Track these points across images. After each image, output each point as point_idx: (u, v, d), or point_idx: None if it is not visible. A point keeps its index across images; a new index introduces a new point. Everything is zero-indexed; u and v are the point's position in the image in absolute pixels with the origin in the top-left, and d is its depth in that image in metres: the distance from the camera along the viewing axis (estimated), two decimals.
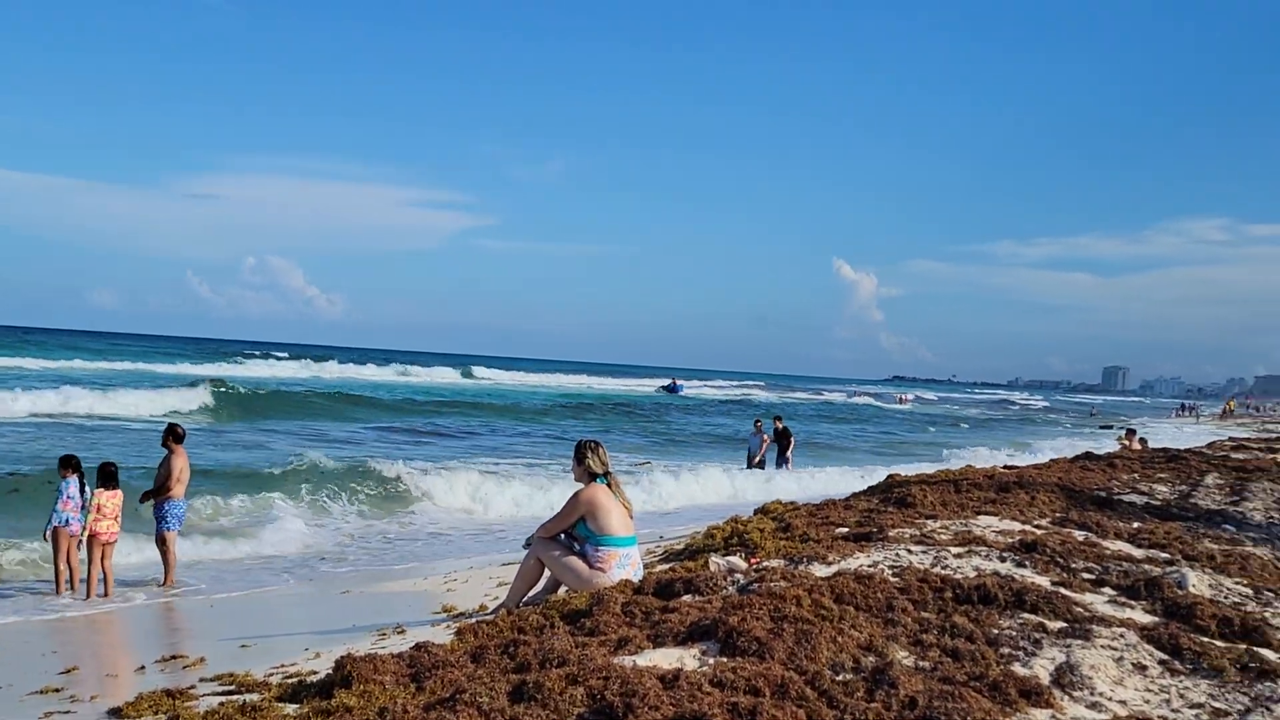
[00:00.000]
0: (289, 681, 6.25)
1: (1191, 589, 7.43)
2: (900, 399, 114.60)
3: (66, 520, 12.08)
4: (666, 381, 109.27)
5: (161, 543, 12.80)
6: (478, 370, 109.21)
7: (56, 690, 7.11)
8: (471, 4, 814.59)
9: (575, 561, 8.40)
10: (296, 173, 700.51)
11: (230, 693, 6.37)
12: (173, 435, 13.34)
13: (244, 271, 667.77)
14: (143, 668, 7.91)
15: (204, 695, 6.34)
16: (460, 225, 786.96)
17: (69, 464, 12.46)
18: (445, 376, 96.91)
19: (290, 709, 5.37)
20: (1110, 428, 68.64)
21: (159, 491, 12.93)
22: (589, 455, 8.72)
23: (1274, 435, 43.88)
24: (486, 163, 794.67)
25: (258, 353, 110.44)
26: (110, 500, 12.33)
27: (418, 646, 5.79)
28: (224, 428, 35.38)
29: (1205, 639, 6.06)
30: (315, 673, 6.33)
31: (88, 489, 12.42)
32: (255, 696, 5.86)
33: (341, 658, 5.60)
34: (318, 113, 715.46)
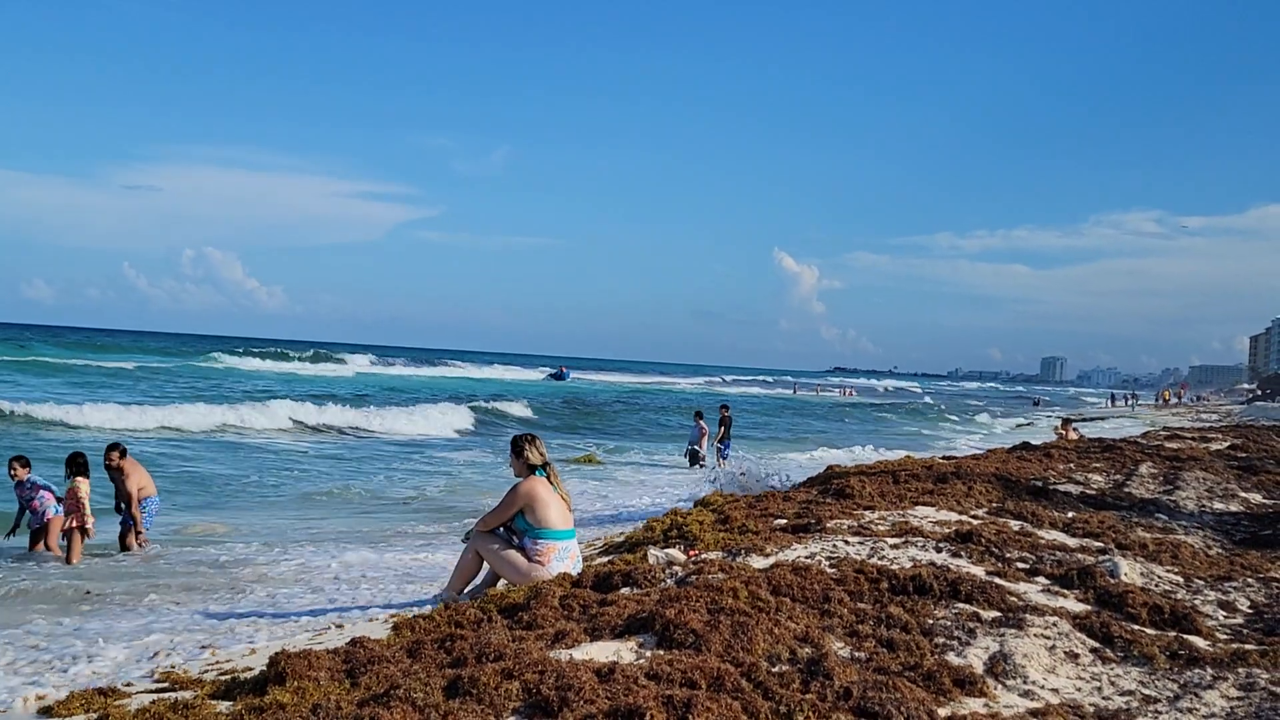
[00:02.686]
0: (223, 678, 6.17)
1: (1124, 578, 7.53)
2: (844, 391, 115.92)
3: (59, 510, 12.13)
4: (554, 370, 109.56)
5: (136, 535, 12.73)
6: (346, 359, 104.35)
7: None
8: (413, 1, 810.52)
9: (514, 555, 8.37)
10: (236, 164, 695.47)
11: (163, 690, 6.27)
12: (117, 450, 13.18)
13: (183, 264, 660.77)
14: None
15: (136, 693, 6.24)
16: (402, 217, 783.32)
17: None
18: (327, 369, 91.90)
19: (223, 706, 5.30)
20: (1049, 417, 69.87)
21: (135, 505, 12.83)
22: (527, 448, 8.70)
23: (1207, 424, 44.59)
24: (429, 155, 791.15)
25: (239, 350, 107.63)
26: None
27: (353, 642, 5.75)
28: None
29: (1136, 627, 6.15)
30: (250, 669, 6.26)
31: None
32: (188, 694, 5.77)
33: (276, 654, 5.55)
34: (258, 104, 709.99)
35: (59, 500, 12.30)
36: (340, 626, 8.29)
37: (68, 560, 11.88)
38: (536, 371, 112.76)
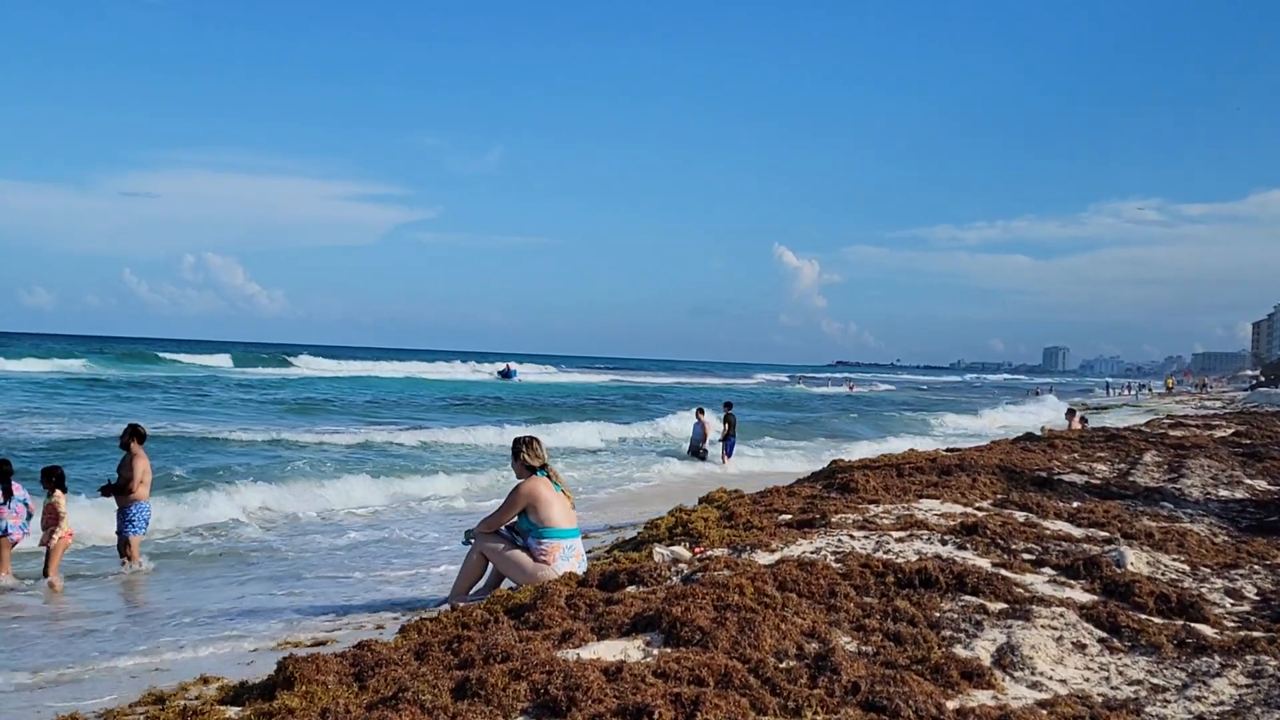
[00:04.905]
0: (230, 683, 6.17)
1: (1130, 567, 7.52)
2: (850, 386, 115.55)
3: (22, 530, 11.87)
4: (502, 367, 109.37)
5: (126, 545, 12.48)
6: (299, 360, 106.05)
7: None
8: (404, 1, 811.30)
9: (519, 555, 8.37)
10: (231, 168, 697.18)
11: (171, 695, 6.28)
12: (135, 436, 12.97)
13: (183, 269, 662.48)
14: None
15: (141, 705, 6.24)
16: (399, 219, 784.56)
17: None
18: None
19: (232, 712, 5.29)
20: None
21: (121, 490, 12.59)
22: (525, 450, 8.70)
23: (1211, 412, 44.55)
24: (423, 155, 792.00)
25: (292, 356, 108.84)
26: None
27: (360, 645, 5.74)
28: None
29: (1143, 616, 6.14)
30: (256, 671, 6.26)
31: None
32: (196, 699, 5.77)
33: (283, 658, 5.53)
34: (250, 107, 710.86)
35: (29, 517, 12.04)
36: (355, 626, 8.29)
37: (44, 572, 11.62)
38: (486, 370, 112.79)
